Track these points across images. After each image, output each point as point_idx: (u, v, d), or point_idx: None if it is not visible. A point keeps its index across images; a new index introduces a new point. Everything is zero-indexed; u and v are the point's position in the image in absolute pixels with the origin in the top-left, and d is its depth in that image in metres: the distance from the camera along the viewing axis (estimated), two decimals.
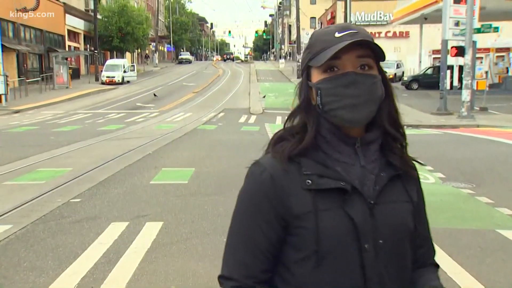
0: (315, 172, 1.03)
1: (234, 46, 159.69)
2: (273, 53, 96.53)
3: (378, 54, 1.08)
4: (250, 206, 1.06)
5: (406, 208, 1.07)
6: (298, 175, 1.04)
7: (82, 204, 5.87)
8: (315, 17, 64.21)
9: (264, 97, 24.67)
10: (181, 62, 66.45)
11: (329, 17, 40.49)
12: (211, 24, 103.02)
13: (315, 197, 1.01)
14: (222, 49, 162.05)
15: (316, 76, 1.09)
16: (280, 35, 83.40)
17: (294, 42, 72.61)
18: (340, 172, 1.04)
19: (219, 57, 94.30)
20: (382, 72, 1.12)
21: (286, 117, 1.14)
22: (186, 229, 4.92)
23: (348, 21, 19.56)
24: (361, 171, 1.05)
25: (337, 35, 1.06)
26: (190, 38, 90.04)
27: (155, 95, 26.32)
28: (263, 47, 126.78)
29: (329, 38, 1.06)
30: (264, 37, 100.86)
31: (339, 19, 35.95)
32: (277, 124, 16.65)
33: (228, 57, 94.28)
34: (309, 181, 1.02)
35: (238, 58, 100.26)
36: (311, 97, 1.11)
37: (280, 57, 69.25)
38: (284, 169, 1.05)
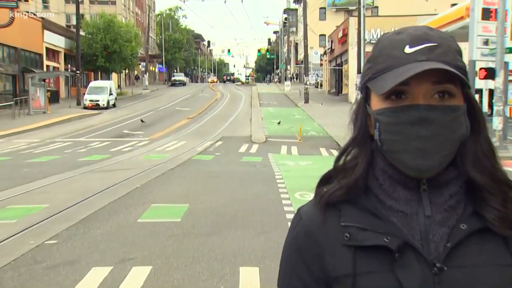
0: (356, 223, 0.92)
1: (234, 66, 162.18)
2: (278, 74, 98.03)
3: (465, 75, 0.89)
4: (286, 263, 0.98)
5: (501, 274, 0.86)
6: (337, 226, 0.93)
7: (59, 247, 5.80)
8: (324, 35, 65.48)
9: (279, 123, 24.89)
10: (174, 84, 67.40)
11: (340, 34, 41.30)
12: (208, 42, 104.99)
13: (355, 256, 0.90)
14: (221, 70, 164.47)
15: (376, 102, 0.94)
16: (286, 54, 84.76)
17: (301, 62, 73.69)
18: (395, 224, 0.90)
19: (215, 78, 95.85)
20: (470, 99, 0.92)
21: (339, 152, 1.01)
22: (178, 275, 4.86)
23: (362, 40, 19.93)
24: (425, 223, 0.90)
25: (408, 50, 0.89)
26: (184, 58, 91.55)
27: (142, 121, 26.48)
28: (266, 67, 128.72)
29: (397, 54, 0.90)
30: (268, 56, 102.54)
31: (352, 37, 36.61)
32: (282, 154, 16.75)
33: (228, 78, 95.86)
34: (348, 234, 0.91)
35: (238, 80, 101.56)
36: (370, 126, 0.96)
37: (285, 79, 70.05)
38: (321, 219, 0.95)
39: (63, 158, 14.93)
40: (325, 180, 1.01)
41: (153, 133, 22.54)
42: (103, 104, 34.22)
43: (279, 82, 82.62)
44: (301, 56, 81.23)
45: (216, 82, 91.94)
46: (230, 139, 20.68)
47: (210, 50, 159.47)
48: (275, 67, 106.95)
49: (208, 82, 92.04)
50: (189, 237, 6.32)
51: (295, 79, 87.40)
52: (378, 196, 0.94)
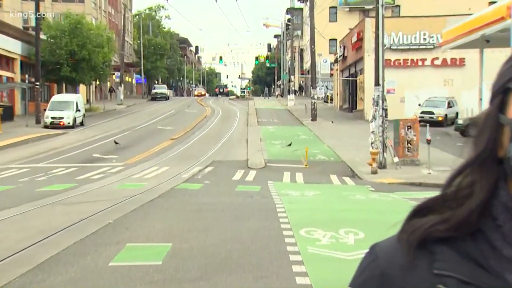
0: (457, 273, 0.81)
1: (227, 77, 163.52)
2: (279, 86, 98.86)
3: None
4: None
5: None
6: (427, 273, 0.83)
7: None
8: (335, 39, 66.26)
9: (289, 145, 25.05)
10: (155, 98, 68.07)
11: (354, 39, 41.84)
12: (196, 47, 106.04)
13: None
14: (211, 81, 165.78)
15: None
16: (289, 62, 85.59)
17: (308, 72, 74.43)
18: (509, 282, 0.80)
19: (202, 91, 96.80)
20: None
21: (451, 173, 0.92)
22: None
23: (380, 45, 20.20)
24: None
25: None
26: (167, 66, 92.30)
27: (116, 142, 26.55)
28: (265, 78, 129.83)
29: None
30: (267, 65, 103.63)
31: (369, 42, 37.12)
32: (285, 183, 16.89)
33: (221, 90, 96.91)
34: (441, 287, 0.81)
35: (232, 93, 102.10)
36: (499, 143, 0.85)
37: (288, 92, 70.61)
38: (407, 261, 0.85)
39: (18, 188, 14.94)
40: (421, 211, 0.91)
41: (129, 157, 22.62)
42: (69, 122, 34.36)
43: (281, 96, 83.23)
44: (307, 65, 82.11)
45: (204, 95, 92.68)
46: (222, 164, 20.81)
47: (198, 57, 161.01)
48: (276, 77, 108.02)
49: (195, 95, 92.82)
50: (173, 284, 6.29)
51: (300, 92, 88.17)
52: (491, 241, 0.83)
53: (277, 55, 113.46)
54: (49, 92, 46.15)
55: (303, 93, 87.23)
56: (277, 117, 44.08)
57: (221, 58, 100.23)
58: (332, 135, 30.07)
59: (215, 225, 9.71)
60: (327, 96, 62.65)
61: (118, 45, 63.18)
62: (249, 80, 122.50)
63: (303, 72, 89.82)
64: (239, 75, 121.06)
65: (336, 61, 54.67)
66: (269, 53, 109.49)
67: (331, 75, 62.42)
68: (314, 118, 39.13)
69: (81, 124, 36.25)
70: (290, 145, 25.06)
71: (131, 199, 12.80)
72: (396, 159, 19.49)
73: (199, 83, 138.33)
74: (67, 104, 35.07)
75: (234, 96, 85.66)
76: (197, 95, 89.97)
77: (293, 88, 69.73)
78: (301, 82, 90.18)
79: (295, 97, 63.16)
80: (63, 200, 12.81)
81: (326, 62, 62.29)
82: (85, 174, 18.09)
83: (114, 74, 62.12)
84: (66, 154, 23.82)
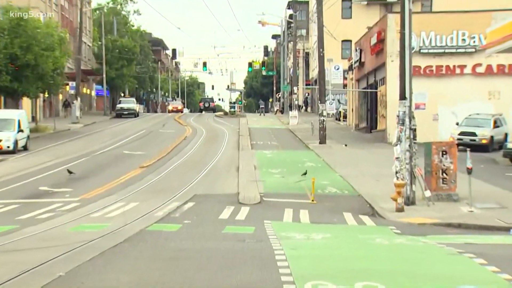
0: None
1: (213, 88, 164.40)
2: (279, 99, 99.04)
3: None
4: None
5: None
6: None
7: None
8: (349, 41, 66.81)
9: (305, 173, 24.88)
10: (120, 114, 68.32)
11: (374, 40, 42.21)
12: (174, 51, 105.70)
13: None
14: (192, 93, 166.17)
15: None
16: (291, 70, 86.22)
17: (315, 82, 74.60)
18: None
19: (179, 105, 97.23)
20: None
21: None
22: None
23: (407, 48, 20.40)
24: None
25: None
26: (137, 74, 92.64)
27: (70, 172, 26.49)
28: (261, 89, 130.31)
29: None
30: (264, 73, 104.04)
31: (392, 44, 37.45)
32: (286, 223, 16.90)
33: (206, 105, 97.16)
34: None
35: (219, 109, 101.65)
36: None
37: (290, 107, 70.89)
38: None
39: None
40: None
41: (87, 191, 22.59)
42: (8, 146, 34.25)
43: (281, 112, 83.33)
44: (314, 73, 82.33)
45: (182, 111, 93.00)
46: (206, 199, 20.82)
47: (176, 63, 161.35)
48: (274, 89, 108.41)
49: (169, 111, 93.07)
50: None
51: (305, 107, 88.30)
52: None
53: (276, 61, 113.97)
54: None
55: (309, 108, 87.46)
56: (276, 139, 44.14)
57: (205, 64, 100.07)
58: (346, 162, 30.13)
59: (197, 278, 9.71)
60: (340, 112, 62.94)
61: (74, 48, 63.40)
62: (241, 92, 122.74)
63: (309, 82, 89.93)
64: (228, 86, 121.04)
65: (350, 68, 55.09)
66: (265, 58, 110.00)
67: (345, 86, 62.80)
68: (322, 141, 39.22)
69: (25, 148, 36.14)
70: (305, 174, 24.89)
71: (89, 245, 12.78)
72: (427, 193, 19.54)
73: (177, 96, 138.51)
74: (6, 122, 34.96)
75: (221, 113, 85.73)
76: (173, 111, 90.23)
77: (296, 103, 70.15)
78: (306, 94, 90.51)
79: (299, 113, 63.37)
80: (1, 247, 12.75)
81: (338, 69, 62.70)
82: (29, 213, 18.01)
83: (68, 84, 61.99)
84: (4, 187, 23.70)
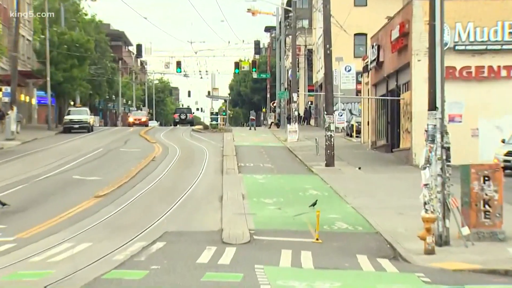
0: None
1: (189, 95, 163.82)
2: (274, 110, 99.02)
3: None
4: None
5: None
6: None
7: None
8: (364, 34, 66.97)
9: (314, 204, 24.54)
10: (69, 128, 68.44)
11: (395, 34, 42.20)
12: (139, 47, 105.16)
13: None
14: (163, 101, 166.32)
15: None
16: (289, 71, 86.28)
17: (320, 87, 74.44)
18: None
19: (143, 117, 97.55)
20: None
21: None
22: None
23: (438, 44, 20.41)
24: None
25: None
26: (91, 77, 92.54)
27: (2, 203, 26.27)
28: (251, 96, 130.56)
29: None
30: (255, 75, 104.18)
31: (419, 39, 37.45)
32: (283, 268, 16.79)
33: (183, 117, 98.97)
34: None
35: (198, 121, 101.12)
36: None
37: (288, 119, 70.69)
38: None
39: None
40: None
41: (25, 228, 22.38)
42: None
43: (277, 126, 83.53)
44: (319, 76, 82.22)
45: (146, 123, 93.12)
46: (180, 238, 20.76)
47: (142, 63, 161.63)
48: (268, 96, 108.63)
49: (130, 122, 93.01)
50: None
51: (307, 119, 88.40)
52: None
53: (270, 60, 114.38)
54: None
55: (312, 121, 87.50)
56: (271, 160, 44.19)
57: (179, 64, 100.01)
58: (360, 190, 30.15)
59: None
60: (352, 126, 63.11)
61: (8, 43, 63.27)
62: (225, 100, 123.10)
63: (313, 88, 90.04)
64: (209, 92, 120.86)
65: (365, 69, 55.22)
66: (257, 56, 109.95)
67: (358, 92, 63.00)
68: (330, 162, 39.14)
69: None
70: (314, 204, 24.59)
71: None
72: (465, 230, 19.44)
73: (143, 105, 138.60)
74: None
75: (200, 126, 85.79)
76: (134, 124, 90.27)
77: (296, 114, 70.12)
78: (309, 103, 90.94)
79: (300, 127, 63.37)
80: None
81: (349, 71, 62.92)
82: None
83: (0, 89, 61.77)
84: None
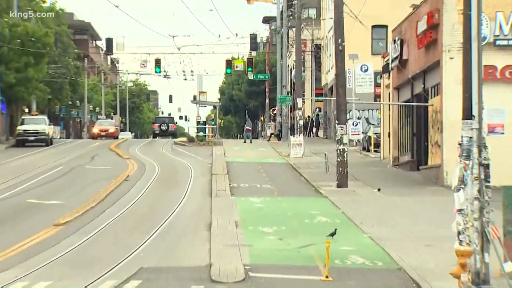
0: None
1: (171, 100, 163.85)
2: (273, 118, 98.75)
3: None
4: None
5: None
6: None
7: None
8: (384, 26, 66.90)
9: (333, 234, 24.59)
10: (23, 141, 68.83)
11: (423, 26, 42.09)
12: (109, 41, 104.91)
13: None
14: (138, 108, 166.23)
15: None
16: (293, 72, 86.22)
17: (330, 90, 74.24)
18: None
19: (111, 127, 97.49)
20: None
21: None
22: None
23: (475, 37, 20.39)
24: None
25: None
26: (50, 79, 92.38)
27: None
28: (247, 102, 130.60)
29: None
30: (250, 76, 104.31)
31: (450, 32, 37.39)
32: None
33: (164, 127, 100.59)
34: None
35: (182, 133, 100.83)
36: None
37: (292, 130, 70.74)
38: None
39: None
40: None
41: None
42: None
43: (278, 138, 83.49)
44: (329, 78, 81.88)
45: (115, 134, 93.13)
46: (160, 275, 20.74)
47: (113, 61, 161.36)
48: (267, 101, 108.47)
49: (94, 133, 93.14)
50: None
51: (315, 130, 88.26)
52: None
53: (269, 58, 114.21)
54: None
55: (321, 132, 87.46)
56: (270, 180, 44.24)
57: (158, 63, 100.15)
58: (380, 216, 30.20)
59: None
60: (369, 138, 63.05)
61: None
62: (215, 107, 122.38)
63: (321, 91, 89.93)
64: (195, 97, 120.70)
65: (386, 69, 55.24)
66: (253, 53, 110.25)
67: (377, 97, 63.00)
68: (343, 183, 39.16)
69: None
70: (334, 234, 24.62)
71: None
72: (508, 266, 19.38)
73: (114, 113, 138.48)
74: None
75: (184, 139, 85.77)
76: (99, 135, 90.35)
77: (300, 123, 69.92)
78: (317, 110, 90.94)
79: (305, 139, 63.30)
80: None
81: (366, 71, 63.03)
82: None
83: None
84: None
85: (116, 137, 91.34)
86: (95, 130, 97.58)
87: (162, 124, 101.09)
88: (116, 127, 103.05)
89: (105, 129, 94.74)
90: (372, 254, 23.53)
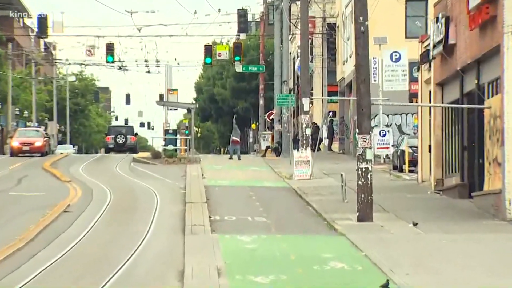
0: None
1: (128, 100, 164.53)
2: (270, 124, 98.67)
3: None
4: None
5: None
6: None
7: None
8: (422, 0, 67.08)
9: (385, 286, 24.65)
10: None
11: (475, 0, 42.42)
12: (42, 20, 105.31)
13: None
14: (83, 112, 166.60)
15: None
16: (297, 62, 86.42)
17: (349, 87, 74.25)
18: None
19: (39, 139, 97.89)
20: None
21: None
22: None
23: None
24: None
25: None
26: None
27: None
28: (233, 103, 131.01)
29: None
30: (238, 68, 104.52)
31: None
32: None
33: (121, 140, 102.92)
34: None
35: (142, 147, 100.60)
36: None
37: (295, 141, 70.78)
38: None
39: None
40: None
41: None
42: None
43: (276, 153, 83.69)
44: (346, 70, 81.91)
45: (42, 148, 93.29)
46: None
47: (47, 46, 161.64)
48: (261, 101, 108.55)
49: (14, 148, 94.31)
50: None
51: (328, 142, 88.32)
52: None
53: (263, 43, 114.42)
54: None
55: (335, 144, 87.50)
56: (266, 211, 44.42)
57: (110, 49, 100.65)
58: (416, 261, 30.07)
59: None
60: (402, 153, 63.13)
61: None
62: (189, 110, 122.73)
63: (336, 89, 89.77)
64: (161, 96, 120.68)
65: (425, 59, 55.32)
66: (242, 37, 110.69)
67: (413, 96, 63.06)
68: (365, 215, 39.03)
69: None
70: (386, 286, 24.69)
71: None
72: None
73: (49, 118, 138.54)
74: None
75: (147, 154, 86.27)
76: (21, 150, 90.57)
77: (306, 132, 69.95)
78: (330, 115, 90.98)
79: (314, 155, 63.25)
80: None
81: (398, 61, 63.14)
82: None
83: None
84: None
85: (44, 154, 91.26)
86: (14, 143, 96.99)
87: (118, 136, 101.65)
88: (46, 139, 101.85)
89: (28, 142, 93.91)
90: None
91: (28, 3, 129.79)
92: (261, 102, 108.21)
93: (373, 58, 50.58)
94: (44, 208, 43.87)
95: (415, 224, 38.02)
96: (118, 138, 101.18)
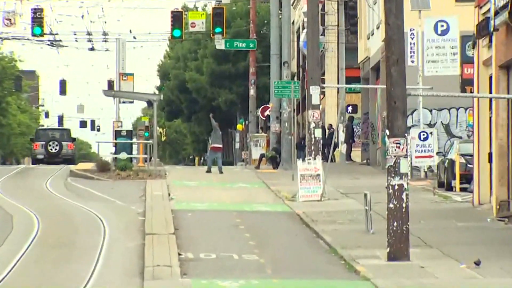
0: None
1: (64, 91, 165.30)
2: (265, 123, 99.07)
3: None
4: None
5: None
6: None
7: None
8: None
9: None
10: None
11: None
12: None
13: None
14: (6, 106, 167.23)
15: None
16: (300, 35, 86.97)
17: (376, 71, 74.78)
18: None
19: None
20: None
21: None
22: None
23: None
24: None
25: None
26: None
27: None
28: (212, 94, 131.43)
29: None
30: (220, 45, 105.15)
31: None
32: None
33: (54, 148, 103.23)
34: None
35: (82, 156, 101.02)
36: None
37: (301, 148, 71.26)
38: None
39: None
40: None
41: None
42: None
43: (274, 164, 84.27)
44: (372, 47, 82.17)
45: None
46: None
47: None
48: (251, 91, 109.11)
49: None
50: None
51: (346, 149, 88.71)
52: None
53: (255, 10, 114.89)
54: None
55: (356, 152, 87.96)
56: (258, 245, 44.38)
57: (38, 18, 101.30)
58: None
59: None
60: (450, 163, 63.42)
61: None
62: (150, 103, 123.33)
63: (357, 73, 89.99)
64: (111, 84, 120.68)
65: (485, 31, 55.61)
66: (224, 0, 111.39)
67: (466, 83, 63.34)
68: (399, 251, 39.11)
69: None
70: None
71: None
72: None
73: None
74: None
75: (91, 166, 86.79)
76: None
77: (315, 133, 70.41)
78: (346, 112, 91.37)
79: (326, 166, 63.54)
80: None
81: (445, 34, 63.41)
82: None
83: None
84: None
85: None
86: None
87: (50, 143, 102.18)
88: None
89: None
90: None
91: None
92: (252, 92, 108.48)
93: (410, 30, 50.89)
94: None
95: (477, 264, 37.93)
96: (50, 145, 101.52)
